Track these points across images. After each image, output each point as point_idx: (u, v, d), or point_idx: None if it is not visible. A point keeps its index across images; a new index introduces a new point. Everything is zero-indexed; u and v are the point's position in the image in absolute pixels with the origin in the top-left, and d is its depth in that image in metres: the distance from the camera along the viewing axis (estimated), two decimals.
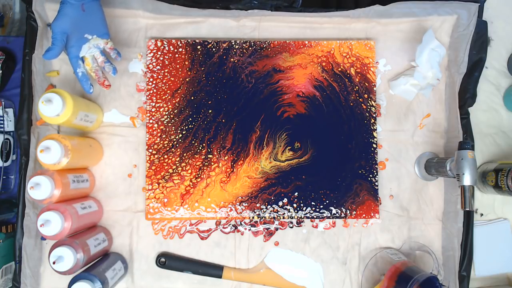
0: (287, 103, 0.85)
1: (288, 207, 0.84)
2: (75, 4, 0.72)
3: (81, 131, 0.84)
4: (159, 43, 0.85)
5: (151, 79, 0.85)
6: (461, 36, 0.86)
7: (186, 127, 0.84)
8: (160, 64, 0.85)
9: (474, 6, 0.85)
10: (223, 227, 0.84)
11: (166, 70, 0.85)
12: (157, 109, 0.84)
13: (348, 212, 0.84)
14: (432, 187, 0.87)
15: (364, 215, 0.84)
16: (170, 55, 0.85)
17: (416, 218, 0.86)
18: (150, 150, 0.83)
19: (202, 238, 0.84)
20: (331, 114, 0.86)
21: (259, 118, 0.85)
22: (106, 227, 0.83)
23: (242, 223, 0.84)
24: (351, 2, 1.01)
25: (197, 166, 0.84)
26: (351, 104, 0.86)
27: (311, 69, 0.86)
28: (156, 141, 0.84)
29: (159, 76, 0.85)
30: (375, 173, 0.85)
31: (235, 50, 0.86)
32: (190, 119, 0.84)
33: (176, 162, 0.83)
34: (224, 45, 0.86)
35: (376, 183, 0.85)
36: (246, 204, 0.83)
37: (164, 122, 0.84)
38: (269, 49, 0.86)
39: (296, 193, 0.84)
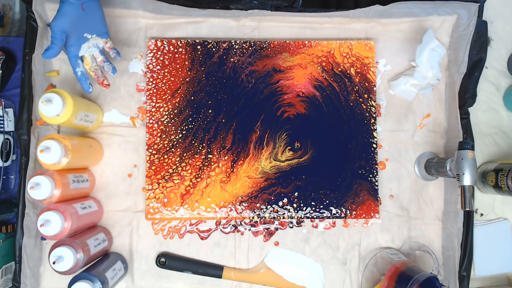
0: (287, 103, 0.85)
1: (288, 207, 0.84)
2: (75, 3, 0.72)
3: (81, 131, 0.84)
4: (159, 43, 0.85)
5: (151, 79, 0.85)
6: (461, 36, 0.86)
7: (186, 127, 0.84)
8: (160, 64, 0.85)
9: (474, 6, 0.85)
10: (223, 227, 0.84)
11: (166, 70, 0.85)
12: (157, 109, 0.84)
13: (348, 212, 0.84)
14: (432, 187, 0.87)
15: (364, 215, 0.84)
16: (170, 55, 0.85)
17: (416, 218, 0.86)
18: (150, 150, 0.83)
19: (202, 238, 0.84)
20: (331, 114, 0.86)
21: (259, 118, 0.85)
22: (106, 227, 0.83)
23: (242, 223, 0.84)
24: (351, 2, 1.01)
25: (197, 166, 0.84)
26: (351, 104, 0.86)
27: (311, 69, 0.86)
28: (156, 141, 0.84)
29: (159, 76, 0.85)
30: (375, 173, 0.85)
31: (235, 50, 0.86)
32: (190, 119, 0.84)
33: (176, 162, 0.83)
34: (224, 45, 0.86)
35: (376, 183, 0.85)
36: (246, 204, 0.83)
37: (164, 122, 0.84)
38: (269, 49, 0.86)
39: (296, 193, 0.84)
